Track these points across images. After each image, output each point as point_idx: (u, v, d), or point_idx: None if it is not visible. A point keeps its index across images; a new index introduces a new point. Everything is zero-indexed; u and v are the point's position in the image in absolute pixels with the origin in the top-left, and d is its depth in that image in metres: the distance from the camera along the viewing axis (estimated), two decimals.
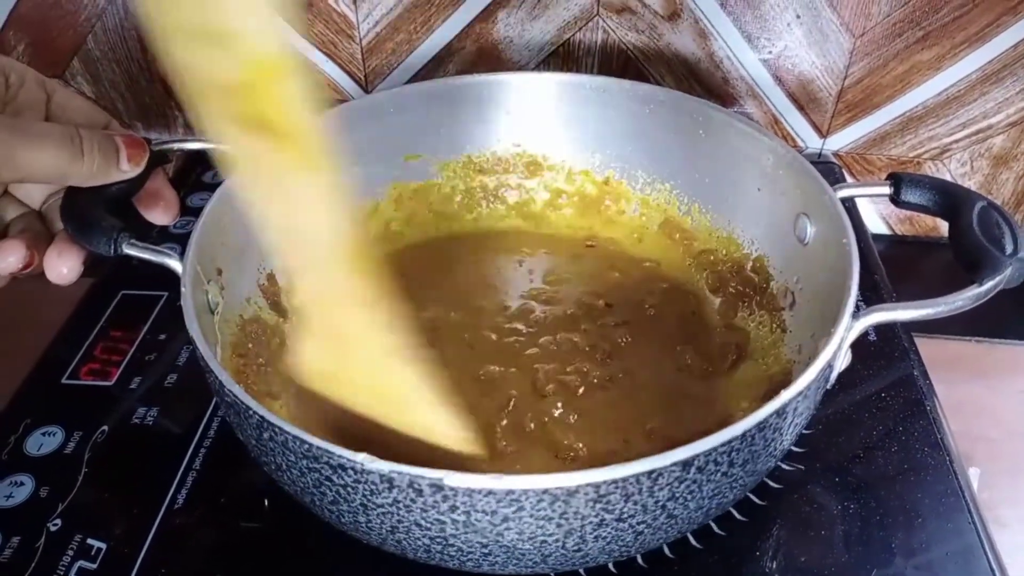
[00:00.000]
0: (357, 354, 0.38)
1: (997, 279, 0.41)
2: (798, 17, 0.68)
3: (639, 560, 0.45)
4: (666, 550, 0.45)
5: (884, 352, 0.57)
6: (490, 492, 0.34)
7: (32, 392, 0.56)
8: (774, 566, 0.45)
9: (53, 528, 0.47)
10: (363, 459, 0.35)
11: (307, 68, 0.29)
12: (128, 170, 0.46)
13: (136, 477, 0.50)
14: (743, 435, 0.36)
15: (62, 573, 0.45)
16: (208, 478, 0.50)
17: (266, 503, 0.48)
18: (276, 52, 0.28)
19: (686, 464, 0.35)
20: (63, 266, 0.46)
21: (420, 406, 0.40)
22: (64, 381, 0.56)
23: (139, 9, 0.29)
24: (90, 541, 0.47)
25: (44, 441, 0.52)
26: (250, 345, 0.51)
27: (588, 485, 0.34)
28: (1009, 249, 0.42)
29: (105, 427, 0.53)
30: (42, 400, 0.55)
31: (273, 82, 0.29)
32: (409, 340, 0.39)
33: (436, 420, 0.40)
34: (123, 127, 0.76)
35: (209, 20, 0.28)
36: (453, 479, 0.34)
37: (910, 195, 0.48)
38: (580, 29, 0.71)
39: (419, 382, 0.39)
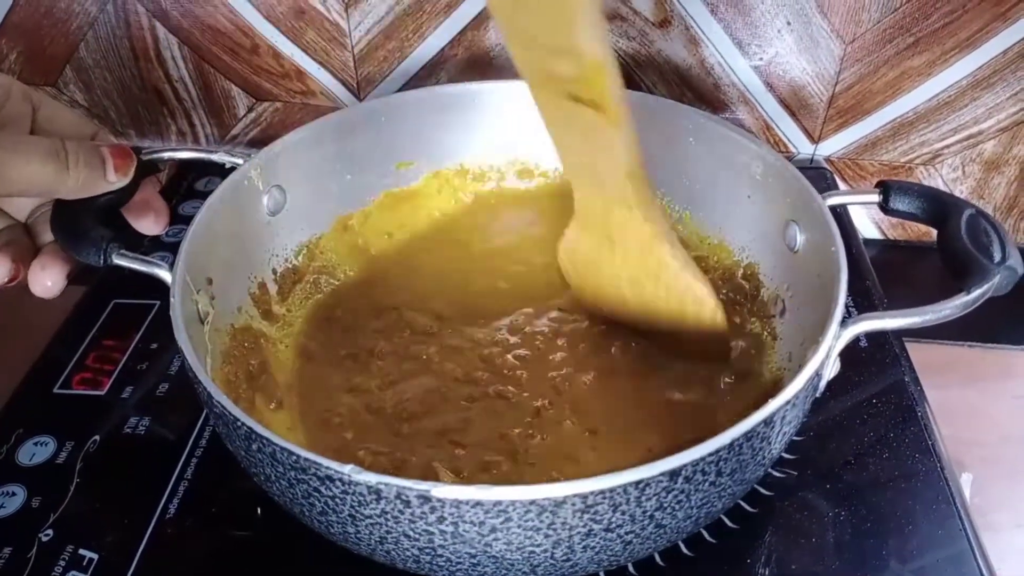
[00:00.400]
0: (622, 243, 0.50)
1: (985, 287, 0.41)
2: (789, 24, 0.68)
3: (630, 568, 0.45)
4: (657, 558, 0.45)
5: (875, 358, 0.57)
6: (478, 503, 0.34)
7: (24, 402, 0.56)
8: (766, 573, 0.45)
9: (45, 538, 0.47)
10: (350, 470, 0.35)
11: (614, 59, 0.39)
12: (115, 181, 0.47)
13: (128, 487, 0.50)
14: (730, 444, 0.36)
15: None
16: (200, 487, 0.50)
17: (259, 511, 0.48)
18: (602, 56, 0.39)
19: (673, 474, 0.35)
20: (47, 279, 0.46)
21: (673, 278, 0.50)
22: (56, 391, 0.56)
23: (494, 18, 0.43)
24: (82, 551, 0.47)
25: (36, 451, 0.52)
26: (241, 354, 0.51)
27: (575, 496, 0.34)
28: (997, 257, 0.42)
29: (97, 437, 0.53)
30: (34, 410, 0.55)
31: (599, 75, 0.39)
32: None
33: (687, 287, 0.50)
34: (116, 135, 0.77)
35: (555, 39, 0.39)
36: (440, 490, 0.34)
37: (899, 203, 0.48)
38: None
39: (674, 260, 0.49)
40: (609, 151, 0.44)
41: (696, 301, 0.50)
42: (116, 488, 0.50)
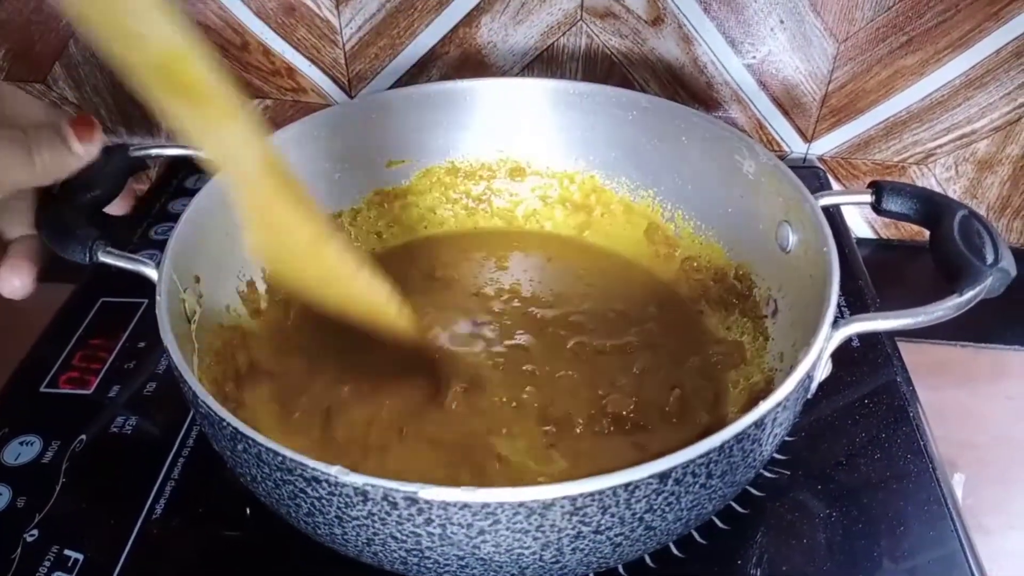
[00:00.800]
0: (291, 241, 0.45)
1: (978, 289, 0.41)
2: (782, 22, 0.68)
3: (620, 570, 0.45)
4: (647, 560, 0.45)
5: (868, 358, 0.57)
6: (465, 505, 0.34)
7: (10, 401, 0.55)
8: (757, 574, 0.45)
9: (30, 539, 0.47)
10: (336, 471, 0.35)
11: (202, 46, 0.37)
12: (83, 153, 0.45)
13: (114, 487, 0.50)
14: (721, 447, 0.36)
15: None
16: (187, 487, 0.50)
17: (248, 511, 0.48)
18: (178, 43, 0.36)
19: (663, 476, 0.35)
20: (16, 279, 0.45)
21: (348, 278, 0.47)
22: (43, 390, 0.56)
23: (67, 12, 0.37)
24: (67, 552, 0.46)
25: (22, 451, 0.52)
26: (229, 352, 0.51)
27: (564, 498, 0.34)
28: (990, 259, 0.42)
29: (83, 436, 0.52)
30: (20, 409, 0.55)
31: (180, 63, 0.37)
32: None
33: (363, 288, 0.47)
34: (107, 132, 0.76)
35: (119, 24, 0.36)
36: (427, 492, 0.34)
37: (891, 203, 0.48)
38: (564, 34, 0.71)
39: (343, 257, 0.46)
40: (239, 146, 0.41)
41: (384, 301, 0.48)
42: (102, 488, 0.50)
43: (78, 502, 0.49)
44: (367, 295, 0.48)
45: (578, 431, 0.49)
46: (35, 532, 0.47)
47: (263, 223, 0.44)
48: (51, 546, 0.46)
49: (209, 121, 0.39)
